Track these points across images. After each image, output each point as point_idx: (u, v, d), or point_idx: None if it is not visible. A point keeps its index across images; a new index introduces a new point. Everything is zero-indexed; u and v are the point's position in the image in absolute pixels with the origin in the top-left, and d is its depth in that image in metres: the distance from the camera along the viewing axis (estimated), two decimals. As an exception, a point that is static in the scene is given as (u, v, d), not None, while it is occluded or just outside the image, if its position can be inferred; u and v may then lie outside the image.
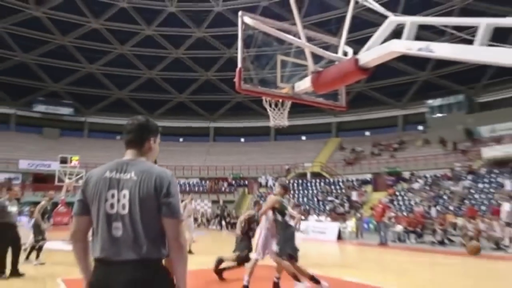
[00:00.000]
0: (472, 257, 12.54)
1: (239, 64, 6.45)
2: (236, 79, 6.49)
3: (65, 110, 44.71)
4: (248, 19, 6.32)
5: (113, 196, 2.11)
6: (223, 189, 36.87)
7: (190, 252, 11.24)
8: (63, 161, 29.94)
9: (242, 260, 7.84)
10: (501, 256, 13.04)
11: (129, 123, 2.32)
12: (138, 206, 2.07)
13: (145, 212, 2.07)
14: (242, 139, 47.07)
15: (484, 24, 3.98)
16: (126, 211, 2.08)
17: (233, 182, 37.96)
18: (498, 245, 14.38)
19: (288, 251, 6.58)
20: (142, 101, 45.46)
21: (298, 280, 6.69)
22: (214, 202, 32.30)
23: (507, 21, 4.08)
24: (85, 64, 43.59)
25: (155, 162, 2.50)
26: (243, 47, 6.58)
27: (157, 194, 2.08)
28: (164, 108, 46.25)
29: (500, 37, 4.40)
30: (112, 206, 2.10)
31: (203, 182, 38.33)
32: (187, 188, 36.60)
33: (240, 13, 6.44)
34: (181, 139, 46.36)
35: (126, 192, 2.10)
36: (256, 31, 6.52)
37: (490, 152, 27.60)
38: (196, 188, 37.05)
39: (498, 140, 29.11)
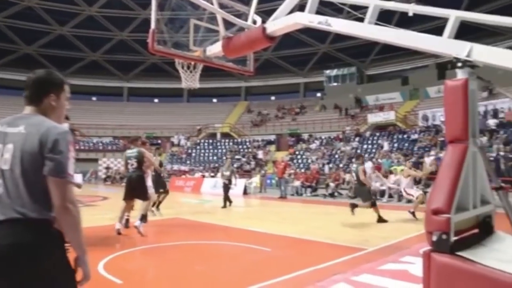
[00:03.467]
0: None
1: (152, 26, 6.19)
2: (149, 40, 6.23)
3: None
4: (162, -19, 6.01)
5: None
6: (136, 148, 35.62)
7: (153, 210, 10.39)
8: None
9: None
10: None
11: (27, 77, 2.02)
12: (20, 161, 1.81)
13: (27, 168, 1.81)
14: (156, 100, 45.47)
15: (373, 4, 4.25)
16: (8, 166, 1.83)
17: (147, 141, 36.85)
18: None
19: None
20: (52, 57, 41.09)
21: None
22: (127, 160, 31.19)
23: (391, 4, 4.38)
24: (-14, 15, 38.10)
25: (67, 118, 2.23)
26: (157, 9, 6.30)
27: (42, 149, 1.81)
28: (76, 66, 42.53)
29: (386, 18, 4.73)
30: None
31: (117, 141, 36.71)
32: (101, 147, 34.96)
33: (154, -26, 6.10)
34: (94, 98, 43.41)
35: (10, 146, 1.84)
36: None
37: (374, 118, 30.10)
38: (110, 147, 35.51)
39: (381, 108, 31.80)
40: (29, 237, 1.78)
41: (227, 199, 13.62)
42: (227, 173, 14.27)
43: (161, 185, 10.94)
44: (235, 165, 29.29)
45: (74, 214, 1.84)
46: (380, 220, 9.64)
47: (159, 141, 36.54)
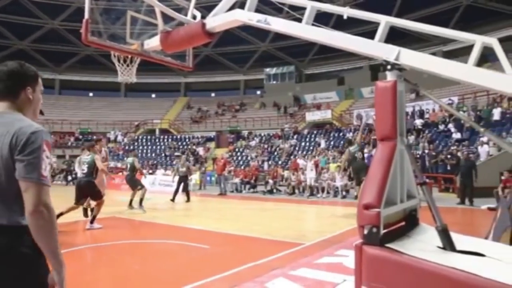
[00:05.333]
0: (292, 203, 14.19)
1: (86, 15, 5.89)
2: (82, 31, 5.92)
3: None
4: (96, -31, 5.72)
5: None
6: (69, 143, 33.68)
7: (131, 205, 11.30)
8: None
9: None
10: (316, 201, 15.08)
11: None
12: None
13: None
14: (91, 94, 43.24)
15: (310, 6, 4.36)
16: None
17: (80, 136, 34.98)
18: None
19: None
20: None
21: None
22: (60, 157, 29.43)
23: (327, 6, 4.53)
24: None
25: (41, 113, 2.04)
26: (92, -2, 6.00)
27: (12, 150, 1.66)
28: (0, 54, 39.24)
29: (325, 20, 4.88)
30: None
31: (48, 136, 34.43)
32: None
33: (88, -40, 5.79)
34: (21, 90, 40.38)
35: None
36: (105, -17, 5.98)
37: (312, 116, 31.07)
38: (39, 142, 33.17)
39: (318, 106, 32.88)
40: (5, 244, 1.63)
41: (187, 194, 14.55)
42: (183, 169, 14.94)
43: (136, 182, 11.74)
44: (174, 162, 28.86)
45: (48, 219, 1.65)
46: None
47: (94, 137, 34.92)
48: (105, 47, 6.44)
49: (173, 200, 14.08)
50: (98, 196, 8.32)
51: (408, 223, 3.46)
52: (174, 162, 28.48)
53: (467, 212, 11.33)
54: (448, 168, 15.73)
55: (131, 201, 11.45)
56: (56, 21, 38.67)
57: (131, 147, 32.89)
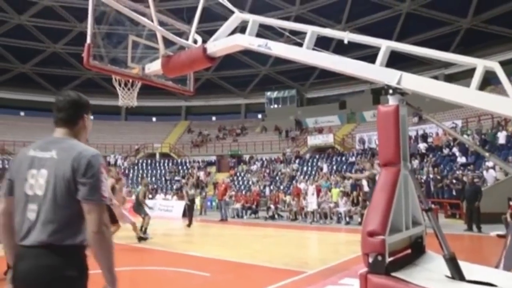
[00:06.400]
0: (294, 229, 14.02)
1: (88, 40, 5.99)
2: (84, 55, 6.01)
3: None
4: (99, -5, 5.85)
5: (32, 176, 1.87)
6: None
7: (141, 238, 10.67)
8: None
9: None
10: (319, 227, 14.91)
11: (59, 99, 2.05)
12: (53, 187, 1.83)
13: (60, 193, 1.83)
14: (91, 117, 43.05)
15: (310, 30, 4.43)
16: (42, 192, 1.84)
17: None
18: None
19: None
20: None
21: None
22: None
23: (327, 31, 4.60)
24: None
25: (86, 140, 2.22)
26: (94, 23, 6.11)
27: (74, 174, 1.83)
28: (2, 77, 39.69)
29: (325, 44, 4.95)
30: (31, 186, 1.86)
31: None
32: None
33: (91, -14, 5.93)
34: (22, 113, 40.69)
35: (44, 171, 1.85)
36: (109, 8, 6.10)
37: (313, 140, 31.12)
38: (38, 166, 33.18)
39: (320, 130, 32.96)
40: (54, 260, 1.80)
41: (190, 218, 14.89)
42: (192, 191, 15.55)
43: (141, 211, 11.82)
44: (174, 186, 28.72)
45: (108, 238, 1.86)
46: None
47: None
48: (106, 71, 6.51)
49: (190, 226, 14.50)
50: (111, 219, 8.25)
51: (414, 251, 3.40)
52: (174, 187, 28.45)
53: (475, 239, 11.16)
54: (454, 193, 15.59)
55: (145, 230, 11.25)
56: (58, 45, 39.33)
57: (131, 171, 32.89)
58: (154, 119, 43.96)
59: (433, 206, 3.49)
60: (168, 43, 6.22)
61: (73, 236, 1.85)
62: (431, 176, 17.68)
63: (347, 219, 15.44)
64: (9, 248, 1.94)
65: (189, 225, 14.57)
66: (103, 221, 1.84)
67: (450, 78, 27.25)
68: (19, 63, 40.06)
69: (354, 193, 17.11)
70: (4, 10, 36.09)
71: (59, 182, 1.84)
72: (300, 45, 4.48)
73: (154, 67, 6.43)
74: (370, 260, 2.88)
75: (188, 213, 15.06)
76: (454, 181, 15.95)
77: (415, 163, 19.21)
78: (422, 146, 22.05)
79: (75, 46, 35.01)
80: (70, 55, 38.82)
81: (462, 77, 22.56)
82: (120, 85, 7.38)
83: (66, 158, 1.86)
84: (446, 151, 20.08)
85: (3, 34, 37.81)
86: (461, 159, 18.22)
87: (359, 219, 14.32)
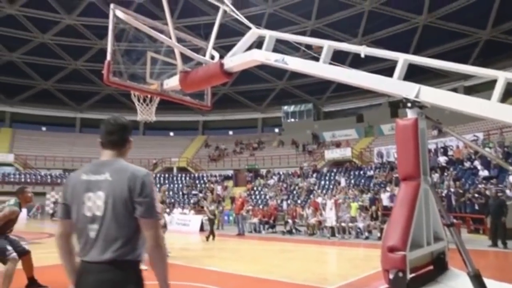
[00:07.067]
0: (313, 244, 13.85)
1: (108, 57, 6.14)
2: (104, 71, 6.16)
3: None
4: (120, 13, 6.02)
5: (89, 198, 2.02)
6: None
7: None
8: None
9: None
10: (337, 242, 14.70)
11: (110, 123, 2.21)
12: (112, 207, 1.98)
13: (119, 213, 1.98)
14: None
15: (327, 45, 4.45)
16: (101, 212, 1.99)
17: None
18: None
19: None
20: (1, 84, 39.35)
21: None
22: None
23: (344, 45, 4.61)
24: None
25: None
26: (114, 40, 6.27)
27: (131, 194, 1.99)
28: (26, 94, 40.92)
29: (340, 58, 4.96)
30: (89, 208, 2.01)
31: (67, 173, 35.07)
32: (49, 180, 33.16)
33: (112, 5, 6.11)
34: (44, 128, 41.74)
35: (101, 193, 2.00)
36: (128, 26, 6.26)
37: (331, 154, 30.92)
38: (59, 180, 33.71)
39: (337, 144, 32.75)
40: (116, 275, 1.94)
41: (211, 232, 15.01)
42: (212, 207, 15.76)
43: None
44: (191, 200, 28.84)
45: (164, 251, 2.07)
46: None
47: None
48: (125, 87, 6.65)
49: (208, 239, 14.74)
50: None
51: (437, 267, 3.32)
52: (191, 201, 28.55)
53: (501, 256, 10.81)
54: (476, 207, 15.19)
55: None
56: (79, 62, 40.40)
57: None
58: (171, 133, 44.52)
59: (455, 221, 3.41)
60: (185, 59, 6.33)
61: (133, 252, 1.99)
62: (452, 190, 17.28)
63: (366, 233, 15.19)
64: (69, 267, 2.09)
65: (208, 238, 14.69)
66: (160, 235, 2.03)
67: (470, 90, 26.84)
68: (42, 80, 41.29)
69: (373, 207, 16.86)
70: (29, 30, 37.37)
71: (117, 202, 1.98)
72: (317, 59, 4.50)
73: (172, 82, 6.54)
74: (391, 276, 2.82)
75: (210, 227, 15.35)
76: (476, 195, 15.57)
77: (435, 176, 18.84)
78: (442, 159, 21.64)
79: (95, 63, 35.90)
80: (90, 72, 39.82)
81: (482, 89, 22.22)
82: (139, 100, 7.51)
83: (121, 179, 2.00)
84: (467, 164, 19.65)
85: (27, 53, 39.15)
86: (483, 173, 17.80)
87: (379, 234, 14.06)
